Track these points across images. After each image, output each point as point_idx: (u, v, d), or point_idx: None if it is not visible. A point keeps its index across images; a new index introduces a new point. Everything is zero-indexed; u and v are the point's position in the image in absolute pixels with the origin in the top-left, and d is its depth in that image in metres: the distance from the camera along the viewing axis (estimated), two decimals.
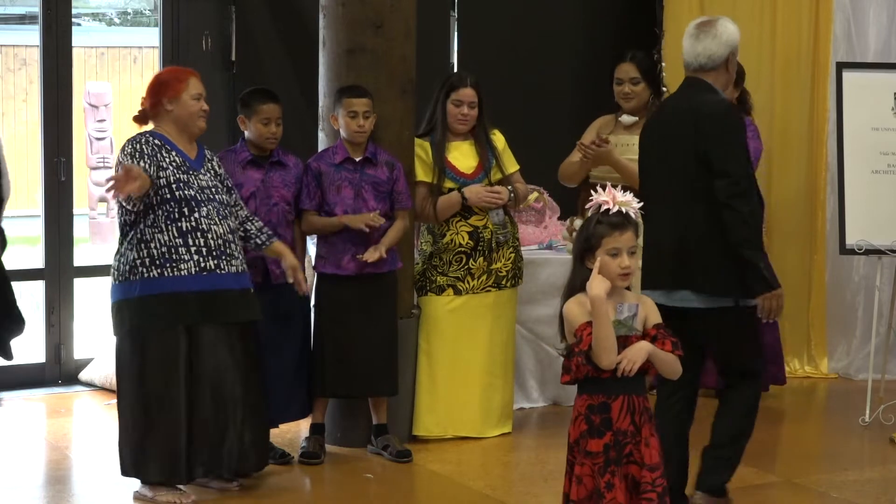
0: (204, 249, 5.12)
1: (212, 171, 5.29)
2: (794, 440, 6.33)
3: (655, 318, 4.05)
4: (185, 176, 5.15)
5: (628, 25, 7.74)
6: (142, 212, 5.09)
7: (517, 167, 6.32)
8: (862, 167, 6.77)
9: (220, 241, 5.15)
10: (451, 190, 6.15)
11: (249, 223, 5.43)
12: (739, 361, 4.94)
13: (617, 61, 6.33)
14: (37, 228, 7.32)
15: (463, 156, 6.21)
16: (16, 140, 13.61)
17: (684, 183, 4.79)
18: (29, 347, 7.54)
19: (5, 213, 5.63)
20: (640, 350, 3.94)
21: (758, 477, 5.73)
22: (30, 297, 7.36)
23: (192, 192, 5.13)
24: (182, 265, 5.09)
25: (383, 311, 5.93)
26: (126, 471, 5.26)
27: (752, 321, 4.88)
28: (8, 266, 5.76)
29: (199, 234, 5.11)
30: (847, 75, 6.91)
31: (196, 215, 5.12)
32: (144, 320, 5.13)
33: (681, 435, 5.00)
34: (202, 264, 5.11)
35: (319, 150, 6.13)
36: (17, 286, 5.71)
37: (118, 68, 14.60)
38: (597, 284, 3.85)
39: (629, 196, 3.99)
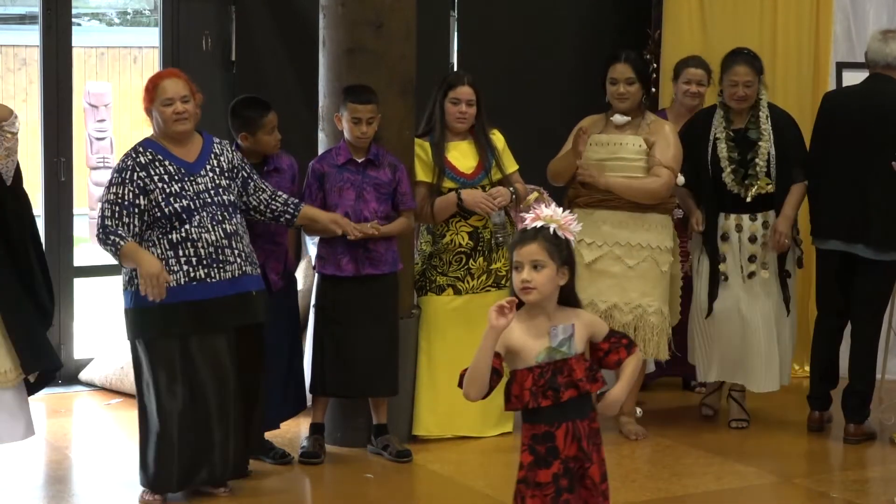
0: (194, 259, 5.09)
1: (217, 170, 5.24)
2: (795, 440, 6.32)
3: (601, 329, 3.90)
4: (179, 185, 5.13)
5: (628, 25, 7.74)
6: (142, 230, 5.11)
7: (517, 167, 6.32)
8: None
9: (210, 250, 5.11)
10: (450, 190, 6.15)
11: (274, 202, 5.39)
12: (879, 306, 6.33)
13: (610, 62, 6.29)
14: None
15: (462, 156, 6.21)
16: None
17: (882, 156, 6.05)
18: None
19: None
20: (615, 404, 3.81)
21: (758, 477, 5.73)
22: None
23: (185, 202, 5.10)
24: (171, 277, 5.07)
25: (383, 312, 5.93)
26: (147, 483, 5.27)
27: None
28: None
29: (189, 244, 5.09)
30: (847, 75, 6.92)
31: (187, 226, 5.09)
32: (138, 331, 5.16)
33: (832, 357, 6.42)
34: (192, 274, 5.09)
35: (320, 150, 6.13)
36: None
37: (118, 68, 14.60)
38: (496, 316, 3.63)
39: (561, 212, 3.85)
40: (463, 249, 6.18)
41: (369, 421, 6.01)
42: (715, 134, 6.26)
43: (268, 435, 5.90)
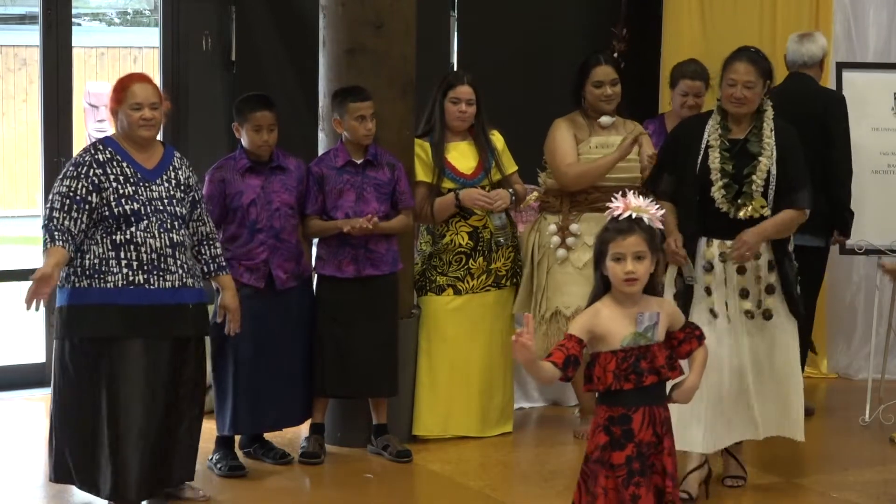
0: (135, 263, 5.00)
1: (172, 181, 5.15)
2: (794, 440, 6.32)
3: (679, 319, 4.07)
4: (133, 188, 5.05)
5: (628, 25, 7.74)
6: (88, 227, 5.02)
7: (516, 168, 6.32)
8: (862, 167, 6.76)
9: (153, 256, 5.02)
10: (450, 190, 6.15)
11: (205, 246, 5.27)
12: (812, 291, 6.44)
13: (591, 65, 6.25)
14: (37, 228, 7.31)
15: (462, 156, 6.21)
16: (16, 140, 13.61)
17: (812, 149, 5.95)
18: (29, 347, 7.55)
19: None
20: (691, 392, 4.04)
21: (758, 477, 5.72)
22: None
23: (136, 206, 5.02)
24: (109, 277, 4.99)
25: (383, 313, 5.93)
26: (54, 476, 5.16)
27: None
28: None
29: (132, 247, 5.00)
30: (847, 75, 6.91)
31: (133, 229, 5.01)
32: (69, 330, 5.04)
33: None
34: (130, 278, 4.99)
35: (320, 150, 6.13)
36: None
37: (118, 68, 14.59)
38: (518, 353, 3.80)
39: (646, 202, 3.99)
40: (463, 249, 6.18)
41: (369, 421, 6.02)
42: (708, 142, 5.41)
43: (268, 435, 5.92)
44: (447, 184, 6.16)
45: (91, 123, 12.95)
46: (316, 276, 5.94)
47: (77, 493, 5.44)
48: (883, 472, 5.89)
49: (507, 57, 7.69)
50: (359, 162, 5.86)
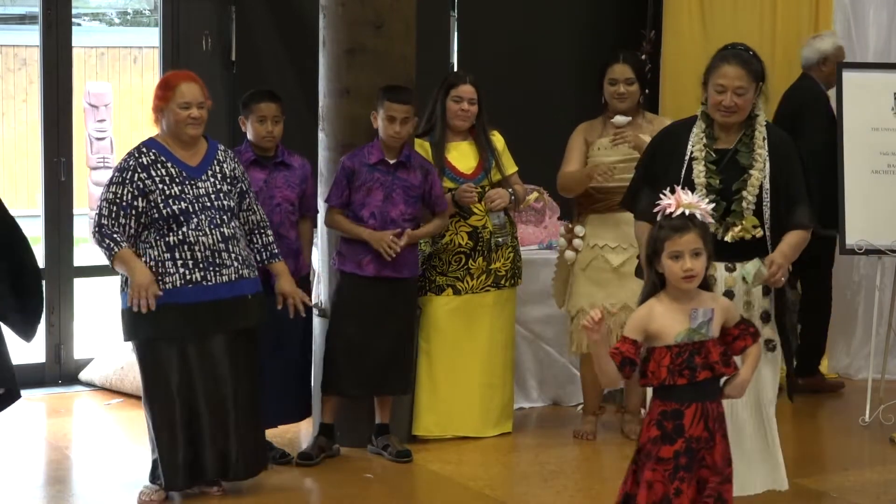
0: (190, 262, 5.09)
1: (218, 175, 5.22)
2: (794, 440, 6.32)
3: (734, 315, 4.12)
4: (179, 188, 5.12)
5: (628, 25, 7.74)
6: (139, 231, 5.12)
7: (516, 168, 6.32)
8: (862, 167, 6.77)
9: (207, 253, 5.11)
10: (450, 190, 6.15)
11: (256, 235, 5.37)
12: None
13: (608, 62, 6.28)
14: (37, 228, 7.31)
15: (462, 156, 6.21)
16: (16, 140, 13.62)
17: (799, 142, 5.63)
18: (29, 347, 7.55)
19: None
20: (743, 387, 4.08)
21: None
22: None
23: (184, 205, 5.09)
24: (167, 279, 5.06)
25: (401, 313, 5.93)
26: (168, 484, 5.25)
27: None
28: None
29: (185, 247, 5.08)
30: (847, 75, 6.90)
31: (184, 229, 5.09)
32: (133, 333, 5.17)
33: None
34: (188, 277, 5.08)
35: (320, 150, 6.13)
36: None
37: (118, 68, 14.61)
38: (592, 332, 3.89)
39: (696, 198, 4.04)
40: (462, 249, 6.18)
41: (369, 421, 6.01)
42: (692, 152, 4.78)
43: (268, 435, 5.90)
44: (447, 183, 6.15)
45: (91, 123, 12.95)
46: (338, 272, 5.91)
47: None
48: (883, 472, 5.89)
49: (507, 57, 7.69)
50: (391, 162, 5.85)
